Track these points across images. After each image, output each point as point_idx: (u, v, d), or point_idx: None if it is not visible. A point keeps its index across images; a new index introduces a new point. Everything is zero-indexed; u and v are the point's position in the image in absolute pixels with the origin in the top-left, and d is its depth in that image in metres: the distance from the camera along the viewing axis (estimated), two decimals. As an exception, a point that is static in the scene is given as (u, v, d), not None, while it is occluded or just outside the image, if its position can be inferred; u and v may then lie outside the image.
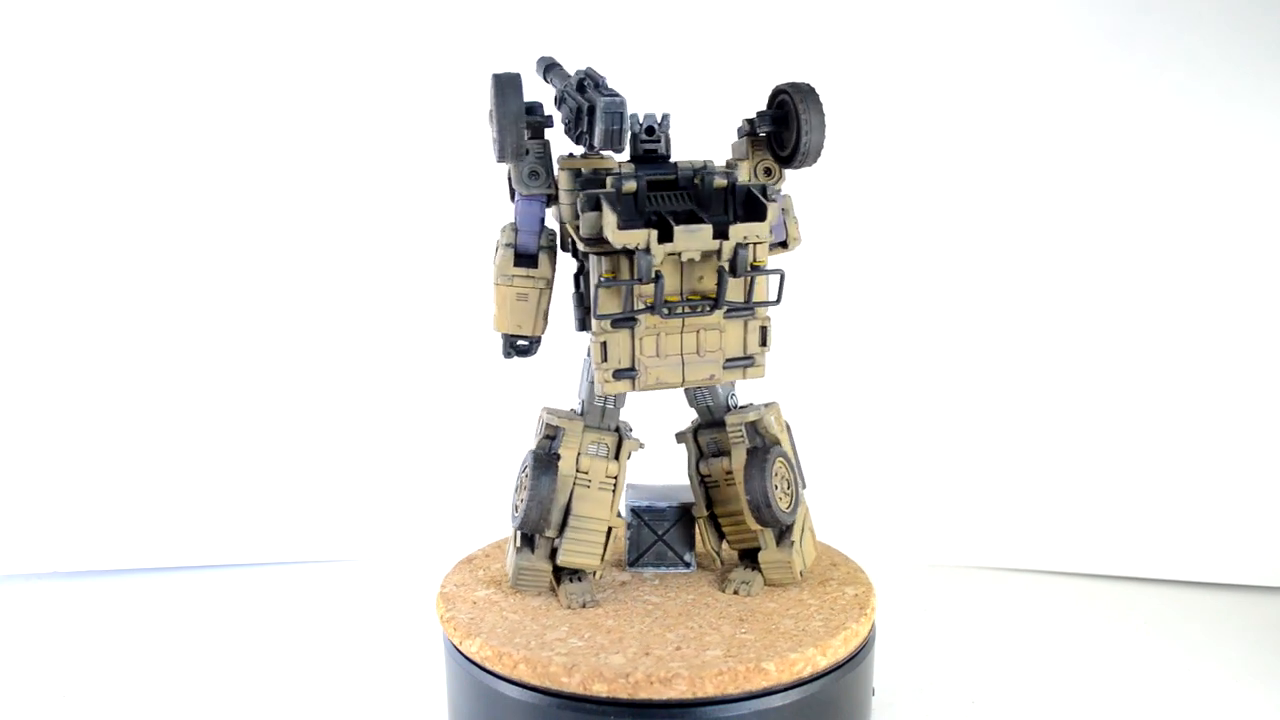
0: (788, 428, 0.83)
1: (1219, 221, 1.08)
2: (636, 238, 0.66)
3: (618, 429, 0.79)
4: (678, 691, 0.66)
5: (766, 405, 0.80)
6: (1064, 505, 1.13)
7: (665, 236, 0.67)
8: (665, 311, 0.69)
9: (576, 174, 0.72)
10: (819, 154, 0.73)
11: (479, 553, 0.88)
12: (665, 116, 0.72)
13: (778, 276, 0.71)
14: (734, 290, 0.70)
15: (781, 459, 0.78)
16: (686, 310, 0.70)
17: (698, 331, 0.72)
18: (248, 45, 1.11)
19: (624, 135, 0.68)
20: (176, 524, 1.15)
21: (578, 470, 0.77)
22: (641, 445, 0.80)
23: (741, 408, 0.80)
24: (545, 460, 0.76)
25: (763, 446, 0.78)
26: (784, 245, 0.78)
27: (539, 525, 0.76)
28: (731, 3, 1.11)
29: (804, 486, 0.82)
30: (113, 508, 1.14)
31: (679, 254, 0.67)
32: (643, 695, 0.66)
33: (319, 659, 0.93)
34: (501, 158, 0.71)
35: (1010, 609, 1.04)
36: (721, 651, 0.69)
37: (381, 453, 1.18)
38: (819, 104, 0.72)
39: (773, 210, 0.68)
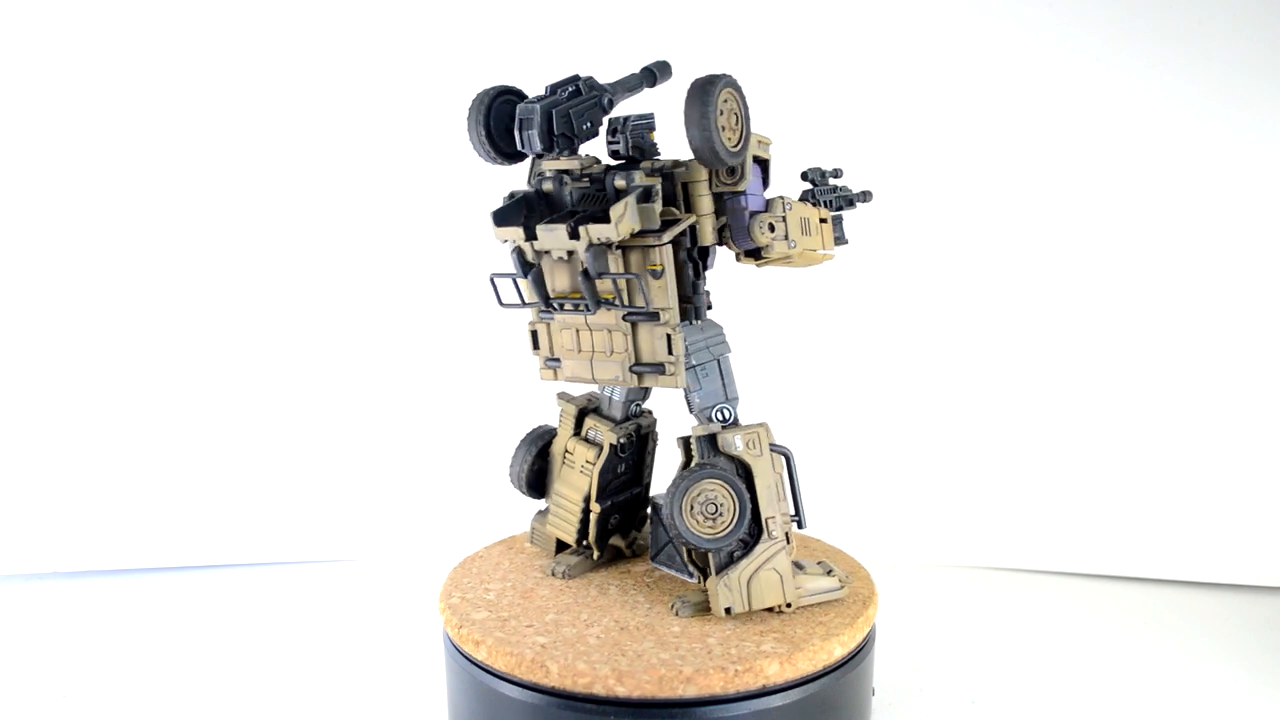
0: (785, 455, 0.75)
1: (1219, 223, 1.08)
2: (507, 234, 0.71)
3: (623, 419, 0.81)
4: (678, 691, 0.66)
5: (746, 425, 0.74)
6: (1064, 505, 1.13)
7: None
8: (544, 307, 0.73)
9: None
10: (709, 153, 0.66)
11: (481, 552, 0.88)
12: (629, 119, 0.72)
13: (662, 279, 0.69)
14: (633, 291, 0.70)
15: (717, 482, 0.71)
16: (570, 308, 0.73)
17: (607, 332, 0.73)
18: (249, 47, 1.11)
19: (524, 137, 0.70)
20: (176, 524, 1.15)
21: (565, 451, 0.82)
22: (619, 441, 0.80)
23: (708, 421, 0.75)
24: (534, 435, 0.84)
25: (701, 464, 0.73)
26: (756, 255, 0.74)
27: (522, 489, 0.83)
28: (737, 4, 1.12)
29: (801, 525, 0.75)
30: (113, 508, 1.14)
31: (549, 251, 0.70)
32: (643, 695, 0.66)
33: (319, 659, 0.93)
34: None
35: (1010, 609, 1.04)
36: (722, 651, 0.69)
37: (383, 453, 1.18)
38: (695, 99, 0.66)
39: (616, 210, 0.66)
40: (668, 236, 0.69)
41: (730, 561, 0.73)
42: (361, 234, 1.15)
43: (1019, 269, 1.12)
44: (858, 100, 1.11)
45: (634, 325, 0.72)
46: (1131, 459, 1.12)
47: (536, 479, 0.84)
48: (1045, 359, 1.13)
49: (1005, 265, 1.13)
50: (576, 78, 0.73)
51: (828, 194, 0.78)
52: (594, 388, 0.82)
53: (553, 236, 0.69)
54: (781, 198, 0.73)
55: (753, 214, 0.72)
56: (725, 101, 0.67)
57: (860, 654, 0.75)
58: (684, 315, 0.72)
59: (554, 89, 0.72)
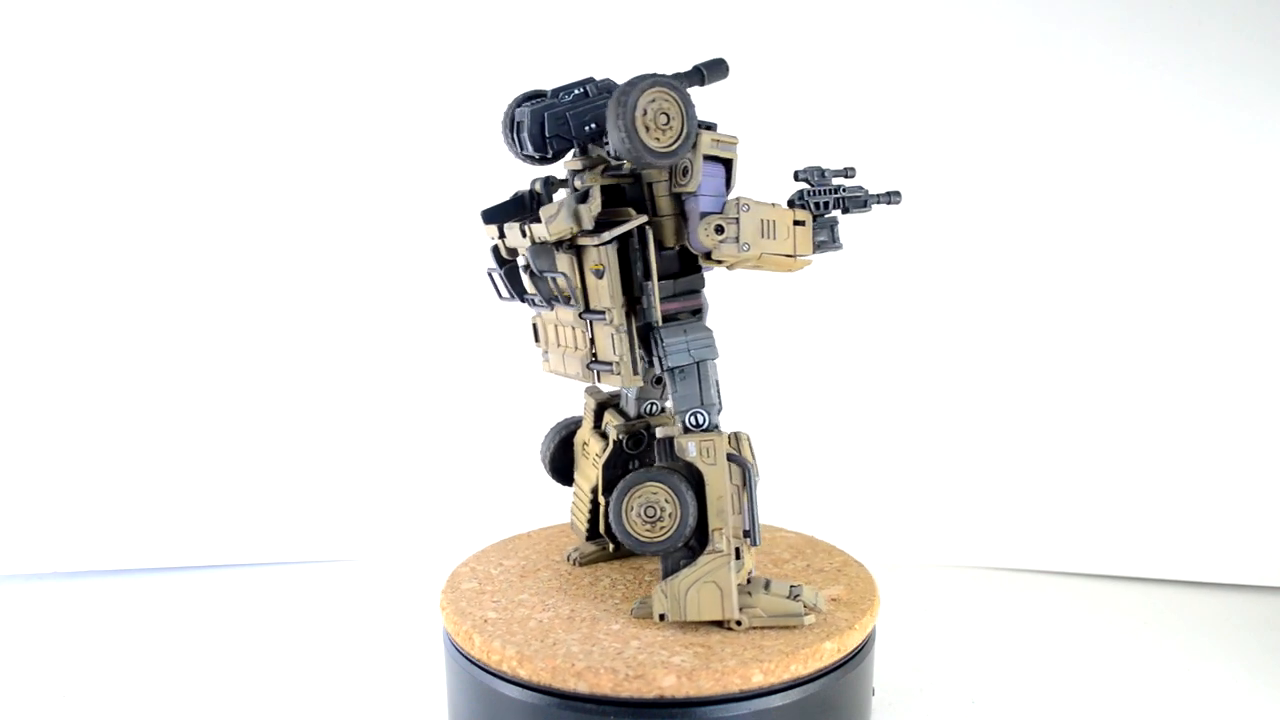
0: (744, 468, 0.71)
1: (1219, 223, 1.08)
2: (489, 231, 0.76)
3: (636, 416, 0.82)
4: (678, 691, 0.66)
5: (705, 431, 0.72)
6: (1064, 505, 1.13)
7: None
8: (519, 300, 0.77)
9: None
10: (628, 153, 0.67)
11: (482, 552, 0.88)
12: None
13: (604, 280, 0.70)
14: (588, 290, 0.72)
15: (660, 485, 0.71)
16: (542, 304, 0.76)
17: (571, 328, 0.75)
18: (250, 48, 1.11)
19: (518, 140, 0.73)
20: (176, 524, 1.15)
21: (583, 443, 0.85)
22: (620, 437, 0.80)
23: (680, 425, 0.73)
24: (560, 425, 0.88)
25: (655, 467, 0.73)
26: (708, 257, 0.72)
27: (549, 474, 0.88)
28: (737, 5, 1.12)
29: (754, 543, 0.72)
30: (113, 508, 1.14)
31: (514, 247, 0.75)
32: (643, 695, 0.66)
33: (319, 659, 0.93)
34: None
35: (1010, 609, 1.04)
36: (723, 651, 0.69)
37: (383, 453, 1.18)
38: (614, 101, 0.67)
39: (547, 211, 0.69)
40: (606, 237, 0.69)
41: (676, 568, 0.72)
42: (361, 234, 1.15)
43: (1020, 269, 1.12)
44: (857, 100, 1.11)
45: (591, 323, 0.73)
46: (1131, 459, 1.12)
47: (563, 466, 0.88)
48: (1045, 359, 1.13)
49: (1006, 266, 1.13)
50: (589, 80, 0.73)
51: (824, 195, 0.75)
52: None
53: (513, 234, 0.74)
54: (739, 199, 0.71)
55: (703, 215, 0.71)
56: (652, 101, 0.67)
57: (860, 654, 0.75)
58: (635, 315, 0.72)
59: (557, 92, 0.73)
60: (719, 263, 0.72)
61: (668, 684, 0.66)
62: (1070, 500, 1.13)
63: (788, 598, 0.73)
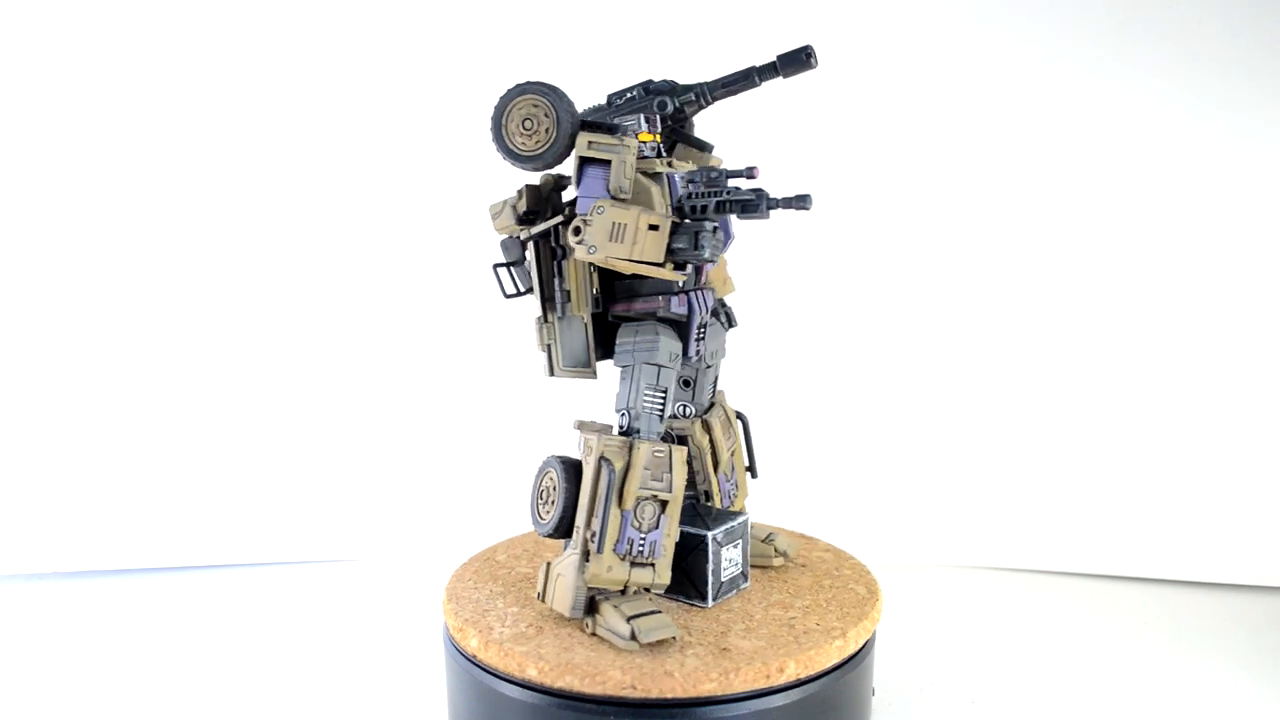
0: (610, 471, 0.70)
1: (1218, 224, 1.08)
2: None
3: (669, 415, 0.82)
4: (678, 691, 0.66)
5: (601, 429, 0.72)
6: (1064, 505, 1.13)
7: None
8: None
9: None
10: (500, 154, 0.73)
11: (484, 552, 0.88)
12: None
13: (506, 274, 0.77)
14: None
15: (555, 471, 0.73)
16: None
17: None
18: (250, 48, 1.11)
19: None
20: (176, 524, 1.15)
21: None
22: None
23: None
24: None
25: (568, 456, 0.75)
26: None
27: None
28: (737, 5, 1.12)
29: (598, 550, 0.71)
30: (113, 508, 1.14)
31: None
32: (643, 695, 0.66)
33: (320, 659, 0.93)
34: None
35: (1010, 609, 1.04)
36: (722, 651, 0.69)
37: (385, 453, 1.18)
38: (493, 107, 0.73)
39: (493, 208, 0.76)
40: (526, 234, 0.75)
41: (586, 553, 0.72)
42: (361, 234, 1.15)
43: (1019, 270, 1.12)
44: (857, 100, 1.11)
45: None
46: (1131, 459, 1.12)
47: None
48: (1045, 359, 1.13)
49: (1005, 267, 1.13)
50: (649, 82, 0.76)
51: (701, 199, 0.69)
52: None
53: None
54: (599, 201, 0.70)
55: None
56: (520, 107, 0.71)
57: (860, 654, 0.75)
58: (552, 310, 0.76)
59: (611, 99, 0.76)
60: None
61: (668, 684, 0.66)
62: (1070, 500, 1.13)
63: (626, 620, 0.70)
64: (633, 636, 0.69)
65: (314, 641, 0.97)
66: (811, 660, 0.70)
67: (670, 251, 0.69)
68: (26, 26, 1.08)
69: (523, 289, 0.78)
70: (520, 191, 0.75)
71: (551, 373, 0.77)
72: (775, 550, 0.83)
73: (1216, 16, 1.05)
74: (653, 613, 0.71)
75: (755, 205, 0.68)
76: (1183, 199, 1.08)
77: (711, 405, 0.82)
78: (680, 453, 0.72)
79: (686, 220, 0.70)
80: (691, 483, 0.82)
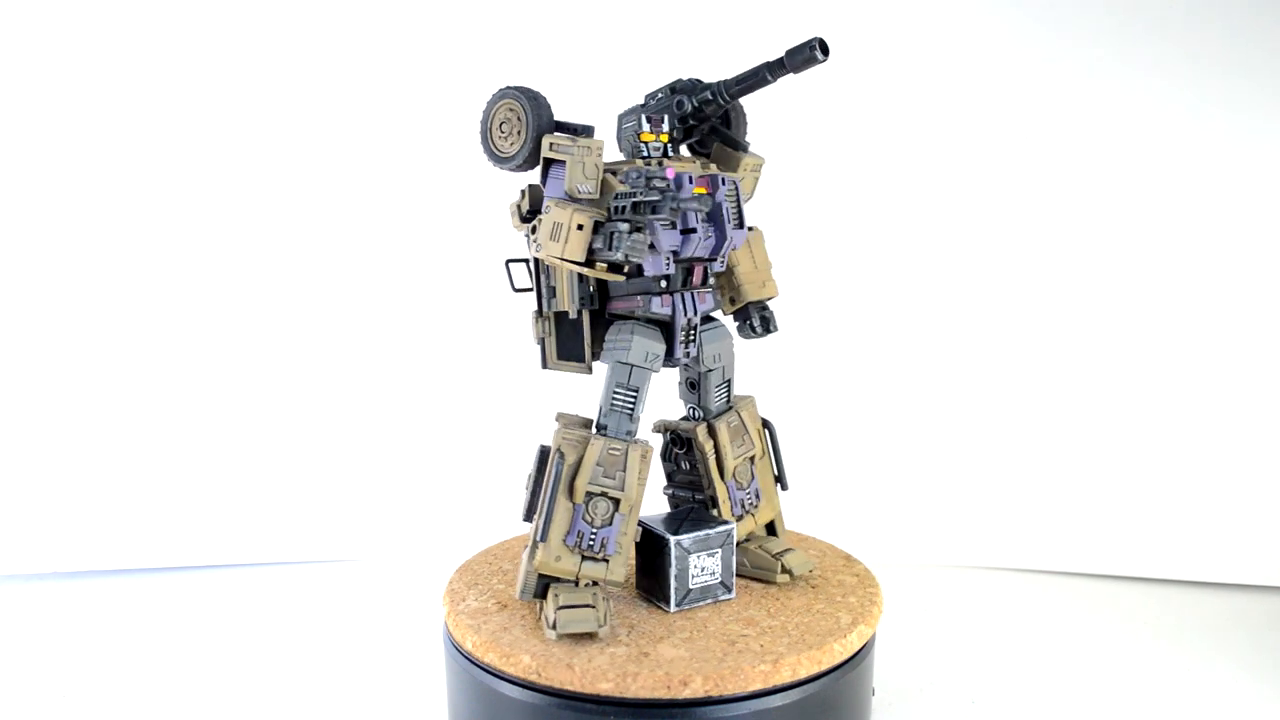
0: (556, 468, 0.73)
1: (1218, 224, 1.08)
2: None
3: (684, 416, 0.83)
4: (678, 691, 0.66)
5: (566, 421, 0.75)
6: (1064, 505, 1.13)
7: None
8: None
9: None
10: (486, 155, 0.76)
11: (484, 552, 0.88)
12: (620, 118, 0.78)
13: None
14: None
15: (535, 460, 0.75)
16: None
17: None
18: (251, 48, 1.11)
19: None
20: (176, 524, 1.15)
21: None
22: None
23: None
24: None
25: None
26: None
27: None
28: (737, 4, 1.12)
29: (542, 538, 0.72)
30: (113, 508, 1.14)
31: None
32: (643, 695, 0.66)
33: (319, 659, 0.93)
34: None
35: (1010, 609, 1.04)
36: (722, 651, 0.69)
37: (384, 453, 1.18)
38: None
39: (510, 206, 0.76)
40: (522, 231, 0.75)
41: None
42: (362, 234, 1.15)
43: (1019, 270, 1.13)
44: (857, 100, 1.11)
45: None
46: (1132, 459, 1.12)
47: None
48: (1046, 359, 1.13)
49: (1005, 266, 1.13)
50: (676, 82, 0.77)
51: (622, 199, 0.71)
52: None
53: None
54: (550, 201, 0.72)
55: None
56: (499, 111, 0.74)
57: (860, 654, 0.75)
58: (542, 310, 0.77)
59: (647, 99, 0.78)
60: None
61: (565, 676, 0.67)
62: (1070, 500, 1.13)
63: (555, 609, 0.71)
64: (553, 626, 0.70)
65: (314, 641, 0.97)
66: (812, 661, 0.70)
67: (591, 250, 0.72)
68: (27, 27, 1.08)
69: (530, 284, 0.79)
70: (523, 191, 0.76)
71: (545, 365, 0.79)
72: (782, 568, 0.80)
73: (1216, 16, 1.05)
74: (584, 606, 0.71)
75: (660, 206, 0.71)
76: (1183, 199, 1.08)
77: (728, 410, 0.81)
78: (638, 452, 0.73)
79: (611, 220, 0.72)
80: (696, 486, 0.82)
